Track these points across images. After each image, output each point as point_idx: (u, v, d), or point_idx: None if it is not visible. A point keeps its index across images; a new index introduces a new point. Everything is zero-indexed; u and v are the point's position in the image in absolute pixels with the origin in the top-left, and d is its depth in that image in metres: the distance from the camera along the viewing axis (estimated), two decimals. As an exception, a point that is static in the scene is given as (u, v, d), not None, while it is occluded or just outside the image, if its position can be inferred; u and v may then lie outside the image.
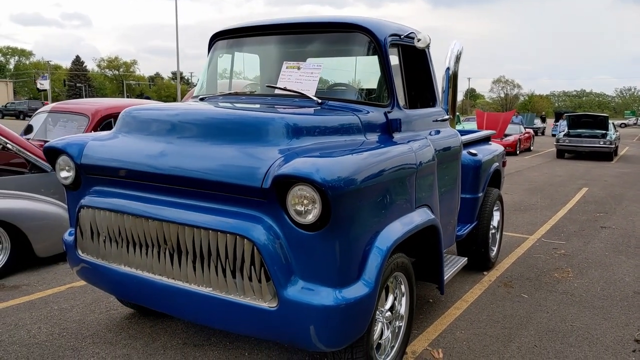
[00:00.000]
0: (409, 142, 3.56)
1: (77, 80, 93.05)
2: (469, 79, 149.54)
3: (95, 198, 3.40)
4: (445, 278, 4.19)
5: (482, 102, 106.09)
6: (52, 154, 3.53)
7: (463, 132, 6.52)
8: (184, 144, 3.07)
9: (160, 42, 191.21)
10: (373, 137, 3.43)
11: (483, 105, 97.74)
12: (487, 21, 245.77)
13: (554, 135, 24.52)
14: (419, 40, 3.88)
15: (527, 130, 23.64)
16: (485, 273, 5.65)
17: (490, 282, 5.37)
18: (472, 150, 5.32)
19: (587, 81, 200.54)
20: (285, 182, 2.65)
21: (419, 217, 3.49)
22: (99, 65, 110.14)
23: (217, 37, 4.27)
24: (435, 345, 3.93)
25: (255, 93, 3.91)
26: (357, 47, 3.81)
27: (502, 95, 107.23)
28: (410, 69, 4.49)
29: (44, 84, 64.42)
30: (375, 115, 3.54)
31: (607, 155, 19.65)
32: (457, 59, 4.81)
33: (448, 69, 4.79)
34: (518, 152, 21.30)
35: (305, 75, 3.70)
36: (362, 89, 3.84)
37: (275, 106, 3.57)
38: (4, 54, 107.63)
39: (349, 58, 4.01)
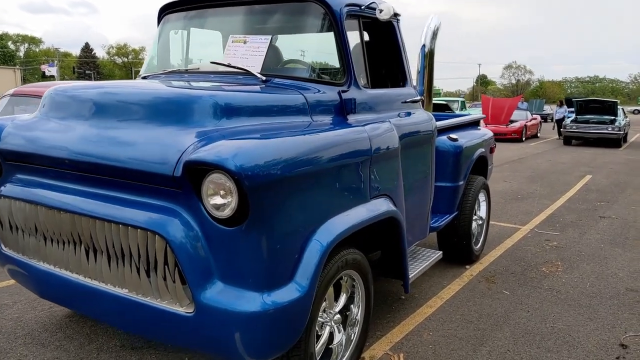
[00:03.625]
0: (365, 125, 3.17)
1: (86, 68, 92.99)
2: (479, 65, 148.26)
3: (13, 187, 3.06)
4: (413, 274, 3.83)
5: (493, 88, 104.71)
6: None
7: (447, 116, 6.13)
8: (101, 127, 2.72)
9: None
10: (322, 119, 3.06)
11: (494, 91, 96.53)
12: (498, 5, 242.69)
13: (551, 121, 24.05)
14: (381, 11, 3.49)
15: (534, 116, 23.05)
16: (467, 267, 5.27)
17: (472, 277, 5.00)
18: (453, 136, 4.92)
19: (600, 67, 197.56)
20: (198, 170, 2.29)
21: (373, 208, 3.11)
22: (108, 53, 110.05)
23: (166, 10, 3.90)
24: (398, 349, 3.58)
25: (200, 70, 3.54)
26: (311, 18, 3.42)
27: (514, 81, 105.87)
28: (376, 44, 4.11)
29: (51, 70, 64.34)
30: (327, 94, 3.16)
31: (615, 141, 19.06)
32: (434, 35, 4.40)
33: (424, 46, 4.38)
34: (524, 138, 20.77)
35: (251, 50, 3.32)
36: (316, 66, 3.46)
37: (216, 84, 3.20)
38: (15, 42, 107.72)
39: (302, 30, 3.62)
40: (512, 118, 20.82)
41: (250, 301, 2.37)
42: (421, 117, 4.02)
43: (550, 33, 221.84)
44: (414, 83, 4.25)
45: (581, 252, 5.86)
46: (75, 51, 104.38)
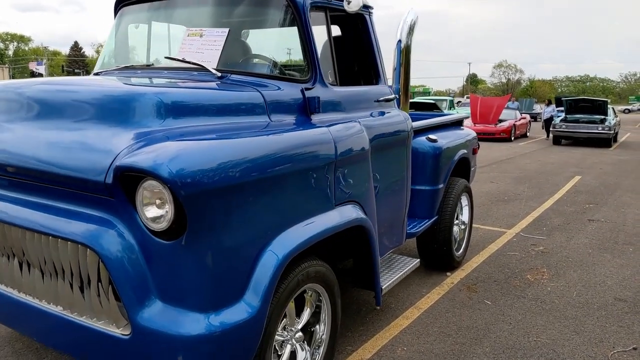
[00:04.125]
0: (330, 125, 2.92)
1: (75, 66, 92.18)
2: (469, 63, 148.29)
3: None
4: (386, 285, 3.59)
5: (483, 87, 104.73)
6: None
7: (427, 116, 5.89)
8: (36, 127, 2.46)
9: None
10: (282, 119, 2.80)
11: (484, 90, 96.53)
12: (488, 3, 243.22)
13: (538, 120, 23.75)
14: (349, 2, 3.23)
15: (524, 115, 22.88)
16: (448, 274, 5.03)
17: (452, 285, 4.76)
18: (432, 136, 4.68)
19: (591, 66, 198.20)
20: (130, 177, 2.03)
21: (339, 216, 2.87)
22: (97, 51, 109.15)
23: (122, 2, 3.63)
24: (369, 366, 3.33)
25: (154, 66, 3.28)
26: (273, 10, 3.16)
27: (504, 80, 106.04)
28: (346, 39, 3.87)
29: (40, 69, 63.73)
30: (288, 92, 2.90)
31: (605, 141, 18.90)
32: (411, 30, 4.16)
33: (399, 41, 4.14)
34: (513, 138, 20.59)
35: (207, 44, 3.06)
36: (278, 62, 3.20)
37: (166, 80, 2.94)
38: (3, 40, 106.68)
39: (264, 23, 3.37)
40: (501, 117, 20.64)
41: (192, 323, 2.12)
42: (395, 117, 3.77)
43: (541, 32, 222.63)
44: (389, 81, 4.01)
45: (568, 258, 5.64)
46: (65, 50, 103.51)
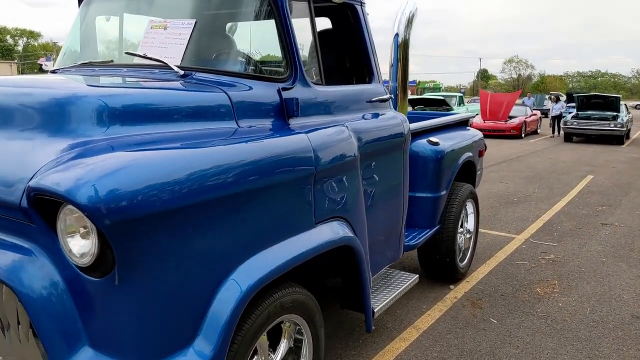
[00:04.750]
0: (310, 131, 2.54)
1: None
2: (480, 59, 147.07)
3: None
4: (379, 307, 3.22)
5: (494, 83, 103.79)
6: None
7: (428, 116, 5.50)
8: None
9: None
10: (253, 124, 2.42)
11: (495, 86, 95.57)
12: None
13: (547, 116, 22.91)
14: (335, -9, 2.85)
15: (535, 112, 22.32)
16: (451, 287, 4.65)
17: (455, 300, 4.37)
18: (433, 139, 4.28)
19: (602, 61, 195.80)
20: (47, 201, 1.66)
21: (320, 236, 2.49)
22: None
23: (86, -8, 3.26)
24: (357, 401, 2.96)
25: (114, 63, 2.91)
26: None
27: (515, 76, 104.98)
28: (335, 32, 3.49)
29: (49, 64, 63.75)
30: (261, 92, 2.52)
31: (618, 138, 18.34)
32: (409, 22, 3.78)
33: (397, 35, 3.76)
34: (523, 135, 20.07)
35: (171, 38, 2.69)
36: (253, 58, 2.82)
37: (122, 80, 2.58)
38: (13, 36, 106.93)
39: (238, 14, 2.98)
40: (511, 114, 20.13)
41: (130, 375, 1.75)
42: (390, 120, 3.39)
43: (552, 27, 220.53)
44: (383, 79, 3.62)
45: (581, 268, 5.24)
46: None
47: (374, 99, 3.31)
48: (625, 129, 18.26)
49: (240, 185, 2.02)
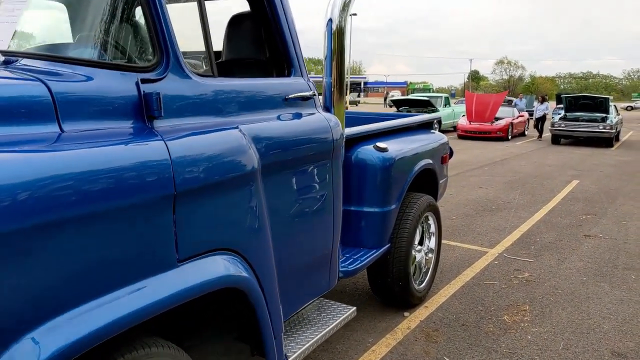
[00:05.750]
0: (177, 137, 1.91)
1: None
2: (470, 60, 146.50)
3: None
4: (296, 354, 2.59)
5: (485, 84, 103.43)
6: None
7: (381, 117, 4.90)
8: None
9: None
10: (92, 127, 1.77)
11: (486, 87, 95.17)
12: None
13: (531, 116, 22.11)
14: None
15: (522, 113, 21.77)
16: (406, 314, 4.03)
17: (408, 332, 3.75)
18: (381, 144, 3.66)
19: (593, 62, 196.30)
20: None
21: (185, 279, 1.86)
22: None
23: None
24: None
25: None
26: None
27: (506, 77, 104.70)
28: (252, 16, 2.88)
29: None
30: (107, 84, 1.87)
31: (607, 141, 17.82)
32: (345, 6, 3.16)
33: (330, 21, 3.15)
34: (510, 137, 19.52)
35: (4, 16, 2.05)
36: (106, 40, 2.18)
37: None
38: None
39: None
40: (498, 115, 19.59)
41: None
42: (314, 122, 2.77)
43: (543, 28, 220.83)
44: (309, 72, 3.00)
45: (557, 289, 4.63)
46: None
47: (291, 96, 2.69)
48: (614, 130, 17.77)
49: (34, 218, 1.39)
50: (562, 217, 7.43)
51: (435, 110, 19.69)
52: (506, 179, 10.68)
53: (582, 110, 18.70)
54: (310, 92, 2.80)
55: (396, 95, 50.51)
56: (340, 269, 3.27)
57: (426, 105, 20.10)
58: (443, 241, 5.80)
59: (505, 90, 36.16)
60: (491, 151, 15.57)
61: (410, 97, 23.75)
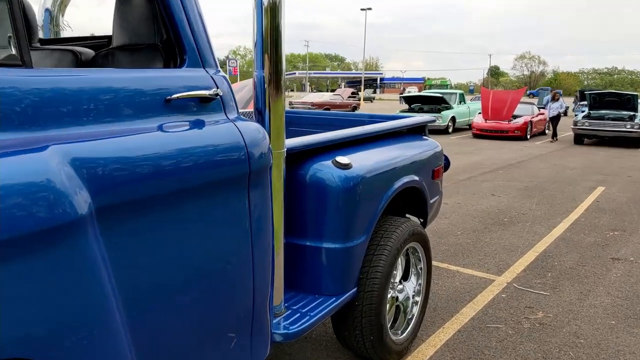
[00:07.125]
0: None
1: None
2: (490, 55, 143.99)
3: None
4: None
5: (505, 80, 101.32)
6: None
7: (352, 120, 4.00)
8: None
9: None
10: None
11: (506, 83, 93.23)
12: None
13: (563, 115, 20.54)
14: None
15: (542, 111, 20.56)
16: (381, 376, 3.12)
17: (379, 406, 2.84)
18: (342, 159, 2.75)
19: (618, 57, 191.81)
20: None
21: None
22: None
23: None
24: None
25: None
26: None
27: (527, 72, 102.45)
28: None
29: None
30: None
31: (635, 141, 16.61)
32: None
33: (261, -7, 2.26)
34: (529, 136, 18.39)
35: None
36: None
37: None
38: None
39: None
40: (516, 113, 18.47)
41: None
42: (213, 135, 1.87)
43: (565, 22, 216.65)
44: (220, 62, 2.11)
45: (578, 338, 3.68)
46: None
47: (177, 95, 1.79)
48: (643, 130, 16.55)
49: None
50: (585, 233, 6.43)
51: (450, 108, 18.66)
52: (522, 184, 9.67)
53: (607, 107, 17.52)
54: (212, 91, 1.90)
55: (413, 91, 49.42)
56: (278, 332, 2.38)
57: (439, 103, 19.09)
58: (441, 265, 4.90)
59: (525, 86, 34.75)
60: (507, 152, 14.51)
61: (422, 93, 22.70)
